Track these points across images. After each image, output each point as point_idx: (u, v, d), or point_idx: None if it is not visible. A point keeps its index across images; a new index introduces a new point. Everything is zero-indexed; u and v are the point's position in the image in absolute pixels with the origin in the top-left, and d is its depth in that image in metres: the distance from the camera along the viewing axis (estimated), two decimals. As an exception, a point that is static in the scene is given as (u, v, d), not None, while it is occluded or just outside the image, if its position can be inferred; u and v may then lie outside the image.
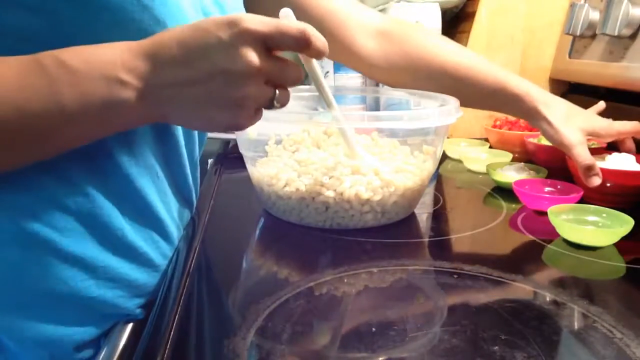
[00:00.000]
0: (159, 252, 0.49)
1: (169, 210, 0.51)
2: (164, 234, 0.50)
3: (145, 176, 0.47)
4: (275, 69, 0.39)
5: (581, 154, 0.60)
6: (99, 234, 0.44)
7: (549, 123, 0.63)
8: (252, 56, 0.36)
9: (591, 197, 0.61)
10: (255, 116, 0.41)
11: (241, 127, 0.40)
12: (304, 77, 0.42)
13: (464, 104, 0.60)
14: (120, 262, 0.46)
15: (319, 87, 0.50)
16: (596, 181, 0.59)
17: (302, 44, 0.38)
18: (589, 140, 0.66)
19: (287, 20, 0.41)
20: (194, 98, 0.37)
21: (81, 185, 0.42)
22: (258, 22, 0.37)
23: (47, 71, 0.34)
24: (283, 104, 0.41)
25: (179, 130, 0.49)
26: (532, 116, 0.65)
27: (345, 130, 0.53)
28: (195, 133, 0.53)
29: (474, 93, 0.67)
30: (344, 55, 0.68)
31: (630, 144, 0.68)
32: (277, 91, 0.40)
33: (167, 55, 0.37)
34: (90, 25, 0.38)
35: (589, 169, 0.59)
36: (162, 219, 0.49)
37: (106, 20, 0.38)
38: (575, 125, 0.63)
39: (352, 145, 0.54)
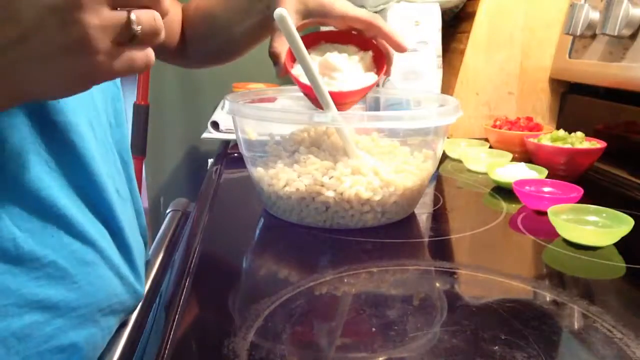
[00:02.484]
0: (72, 257, 0.40)
1: (73, 200, 0.41)
2: (74, 233, 0.40)
3: (36, 164, 0.38)
4: None
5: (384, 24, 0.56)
6: None
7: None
8: None
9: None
10: (120, 56, 0.32)
11: (107, 72, 0.33)
12: None
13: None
14: (24, 278, 0.37)
15: (316, 87, 0.50)
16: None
17: None
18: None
19: None
20: (34, 55, 0.31)
21: None
22: None
23: None
24: (148, 26, 0.33)
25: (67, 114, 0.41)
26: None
27: (342, 130, 0.53)
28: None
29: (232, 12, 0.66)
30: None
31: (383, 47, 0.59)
32: (133, 13, 0.32)
33: None
34: None
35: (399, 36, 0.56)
36: (66, 214, 0.40)
37: None
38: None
39: (350, 144, 0.54)
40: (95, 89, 0.43)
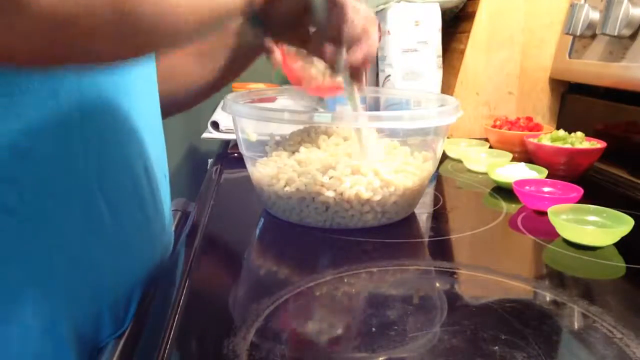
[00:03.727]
0: (137, 230, 0.49)
1: (146, 181, 0.50)
2: (142, 210, 0.50)
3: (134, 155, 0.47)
4: None
5: None
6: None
7: None
8: None
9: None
10: None
11: None
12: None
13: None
14: (100, 249, 0.45)
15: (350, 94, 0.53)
16: None
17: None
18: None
19: None
20: None
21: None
22: None
23: None
24: None
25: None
26: None
27: (361, 131, 0.54)
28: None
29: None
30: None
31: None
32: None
33: None
34: None
35: None
36: (142, 194, 0.49)
37: None
38: None
39: (366, 148, 0.54)
40: None
